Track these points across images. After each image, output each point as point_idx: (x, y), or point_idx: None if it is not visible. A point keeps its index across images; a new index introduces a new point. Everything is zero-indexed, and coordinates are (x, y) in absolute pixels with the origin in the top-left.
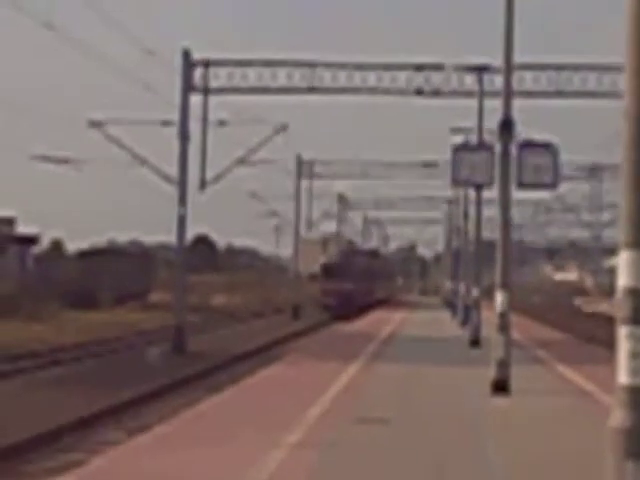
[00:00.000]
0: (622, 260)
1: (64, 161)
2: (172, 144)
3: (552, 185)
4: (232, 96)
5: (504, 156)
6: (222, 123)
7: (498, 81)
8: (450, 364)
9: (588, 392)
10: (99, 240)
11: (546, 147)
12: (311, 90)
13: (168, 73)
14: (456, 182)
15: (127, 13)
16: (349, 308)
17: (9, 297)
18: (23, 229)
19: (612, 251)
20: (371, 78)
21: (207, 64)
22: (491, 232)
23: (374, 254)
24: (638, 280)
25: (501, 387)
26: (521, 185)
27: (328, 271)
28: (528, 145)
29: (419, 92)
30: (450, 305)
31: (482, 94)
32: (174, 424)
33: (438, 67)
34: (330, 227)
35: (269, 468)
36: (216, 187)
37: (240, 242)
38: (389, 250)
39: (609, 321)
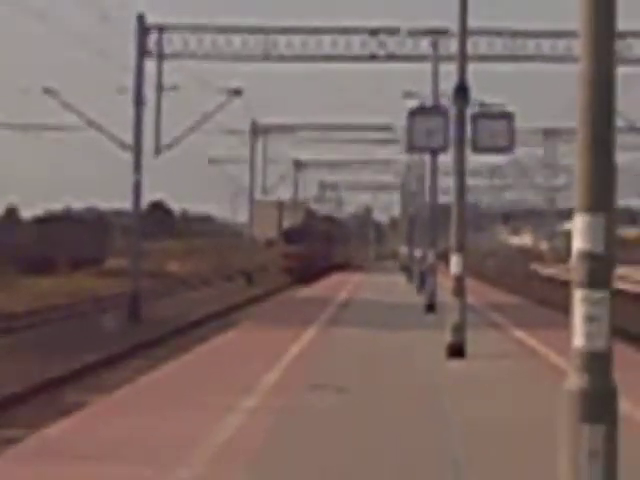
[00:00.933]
0: (577, 223)
1: (21, 128)
2: (127, 111)
3: (508, 149)
4: (187, 62)
5: (459, 121)
6: (175, 88)
7: (453, 46)
8: (406, 329)
9: (543, 355)
10: (54, 207)
11: (501, 115)
12: (266, 57)
13: (122, 38)
14: (411, 148)
15: None
16: (309, 272)
17: None
18: None
19: (566, 215)
20: (326, 43)
21: (161, 29)
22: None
23: (331, 220)
24: (593, 243)
25: (457, 351)
26: (477, 149)
27: (289, 237)
28: (483, 114)
29: (373, 57)
30: (406, 270)
31: (437, 59)
32: (129, 391)
33: (393, 31)
34: (285, 192)
35: (226, 433)
36: (172, 153)
37: (196, 208)
38: (344, 215)
39: (563, 285)
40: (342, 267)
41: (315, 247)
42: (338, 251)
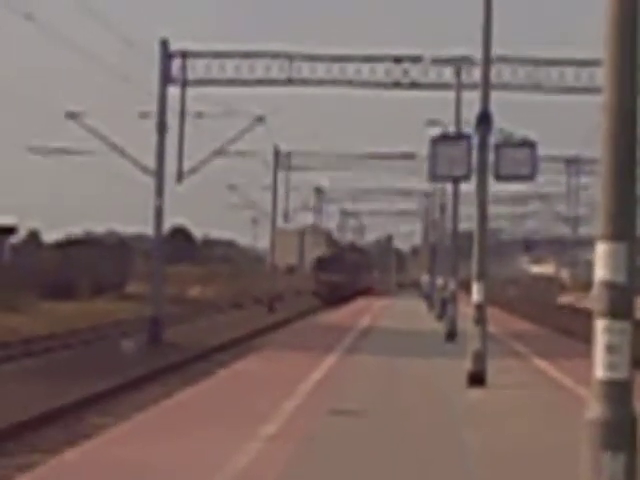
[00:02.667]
0: (599, 253)
1: (43, 151)
2: (150, 135)
3: (529, 177)
4: (210, 88)
5: (482, 148)
6: (200, 115)
7: (476, 74)
8: (426, 357)
9: (564, 385)
10: (76, 230)
11: (524, 145)
12: (289, 82)
13: (146, 64)
14: (434, 177)
15: (105, 3)
16: (338, 296)
17: None
18: (0, 219)
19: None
20: (349, 70)
21: (185, 55)
22: (469, 225)
23: (358, 249)
24: (615, 273)
25: (477, 379)
26: (499, 177)
27: (321, 265)
28: (506, 145)
29: (397, 84)
30: (428, 298)
31: (460, 87)
32: (148, 416)
33: (416, 59)
34: (307, 219)
35: (245, 460)
36: (193, 179)
37: (217, 233)
38: (366, 242)
39: (585, 314)
40: (366, 292)
41: (343, 274)
42: (363, 278)
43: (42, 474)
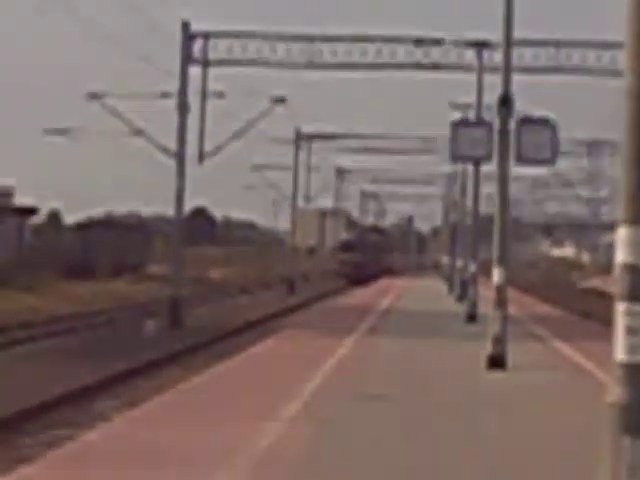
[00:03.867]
0: (620, 236)
1: (64, 132)
2: (171, 117)
3: (551, 161)
4: (231, 69)
5: (503, 132)
6: (220, 95)
7: (498, 57)
8: (447, 339)
9: (584, 368)
10: (97, 212)
11: (545, 123)
12: (310, 65)
13: (168, 45)
14: (455, 157)
15: None
16: (361, 276)
17: (6, 268)
18: (21, 200)
19: (610, 227)
20: (370, 52)
21: (207, 36)
22: (489, 207)
23: (380, 231)
24: (636, 256)
25: (497, 362)
26: (520, 160)
27: (345, 246)
28: (527, 121)
29: (418, 66)
30: (448, 280)
31: (481, 70)
32: (170, 398)
33: (437, 42)
34: (328, 201)
35: (266, 441)
36: (215, 160)
37: (238, 215)
38: (386, 224)
39: (605, 297)
40: (388, 272)
41: (366, 255)
42: (385, 259)
43: (62, 454)
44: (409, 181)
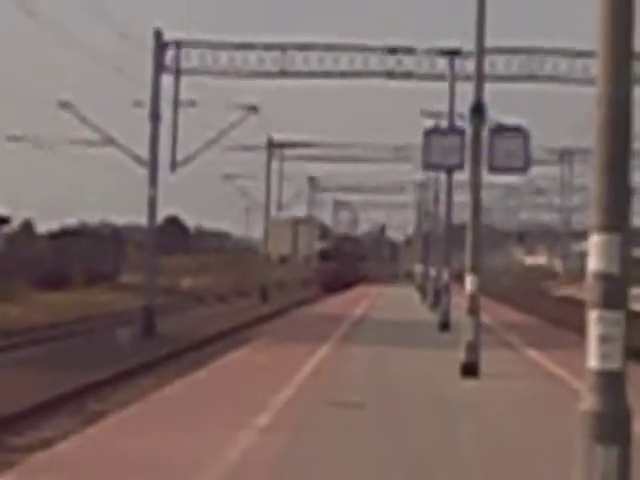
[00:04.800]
0: (593, 244)
1: (37, 142)
2: (143, 126)
3: (523, 169)
4: (204, 78)
5: (475, 140)
6: (192, 103)
7: (470, 65)
8: (420, 347)
9: (557, 376)
10: (69, 221)
11: (517, 131)
12: (283, 74)
13: (140, 54)
14: (427, 166)
15: None
16: (338, 284)
17: None
18: None
19: (581, 235)
20: (343, 60)
21: (179, 45)
22: (462, 216)
23: (356, 241)
24: (608, 264)
25: (471, 370)
26: (492, 169)
27: (323, 255)
28: (499, 130)
29: (390, 75)
30: (421, 289)
31: (453, 78)
32: (142, 407)
33: (410, 50)
34: (300, 210)
35: (237, 451)
36: (187, 169)
37: (211, 224)
38: (359, 233)
39: (578, 305)
40: (363, 281)
41: (343, 264)
42: (360, 268)
43: (30, 466)
44: (382, 189)
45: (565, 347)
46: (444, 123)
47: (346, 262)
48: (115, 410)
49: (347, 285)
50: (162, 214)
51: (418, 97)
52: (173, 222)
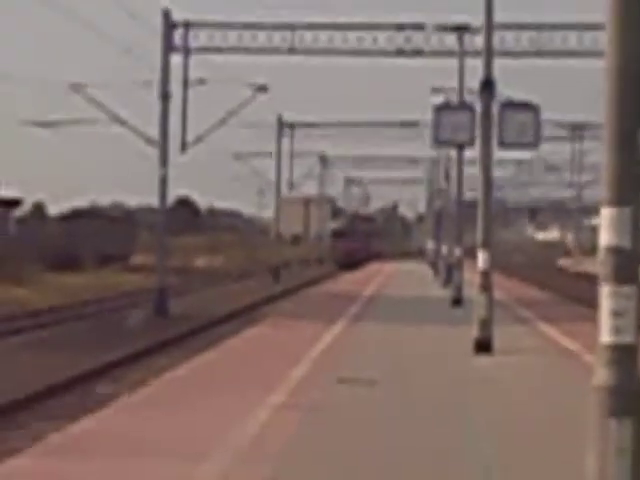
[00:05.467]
0: (604, 218)
1: (47, 124)
2: (153, 107)
3: (533, 144)
4: (213, 56)
5: (485, 116)
6: (202, 81)
7: (479, 41)
8: (433, 324)
9: (570, 350)
10: (81, 203)
11: (527, 106)
12: (292, 51)
13: (149, 34)
14: (437, 142)
15: None
16: (352, 261)
17: None
18: (5, 192)
19: (593, 210)
20: (352, 38)
21: (187, 25)
22: (474, 192)
23: (369, 219)
24: (620, 238)
25: (484, 346)
26: (502, 144)
27: (337, 233)
28: (509, 105)
29: (400, 52)
30: (433, 265)
31: (463, 54)
32: (157, 386)
33: (419, 27)
34: (312, 188)
35: (253, 429)
36: (198, 149)
37: (222, 204)
38: (371, 210)
39: (591, 280)
40: (377, 257)
41: (356, 242)
42: (374, 245)
43: (45, 447)
44: (393, 166)
45: (577, 321)
46: (454, 99)
47: (360, 240)
48: (130, 390)
49: (361, 262)
50: (173, 195)
51: (427, 74)
52: (184, 202)
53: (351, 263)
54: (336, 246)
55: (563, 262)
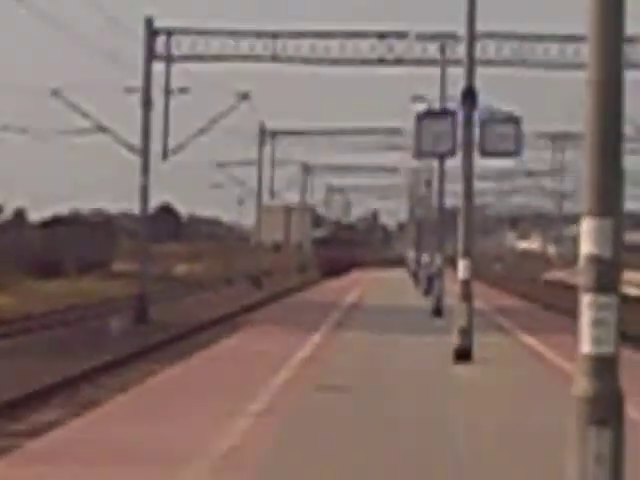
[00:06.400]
0: (585, 228)
1: (29, 131)
2: (135, 113)
3: (515, 153)
4: (195, 65)
5: (467, 125)
6: (184, 90)
7: (461, 50)
8: (413, 333)
9: (550, 360)
10: (62, 209)
11: (508, 116)
12: (274, 59)
13: (131, 41)
14: (420, 154)
15: None
16: (335, 269)
17: None
18: None
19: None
20: (334, 47)
21: (170, 33)
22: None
23: (352, 227)
24: (600, 248)
25: (464, 355)
26: (484, 153)
27: (320, 242)
28: (490, 114)
29: (381, 61)
30: (414, 275)
31: (445, 63)
32: (135, 394)
33: (401, 35)
34: (293, 196)
35: (233, 437)
36: (179, 156)
37: (203, 211)
38: (352, 219)
39: (570, 289)
40: (359, 266)
41: (339, 250)
42: (356, 253)
43: (24, 454)
44: (374, 175)
45: (557, 331)
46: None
47: (342, 248)
48: (109, 397)
49: (344, 270)
50: (154, 202)
51: (409, 83)
52: (166, 210)
53: (334, 271)
54: (319, 254)
55: (548, 275)
